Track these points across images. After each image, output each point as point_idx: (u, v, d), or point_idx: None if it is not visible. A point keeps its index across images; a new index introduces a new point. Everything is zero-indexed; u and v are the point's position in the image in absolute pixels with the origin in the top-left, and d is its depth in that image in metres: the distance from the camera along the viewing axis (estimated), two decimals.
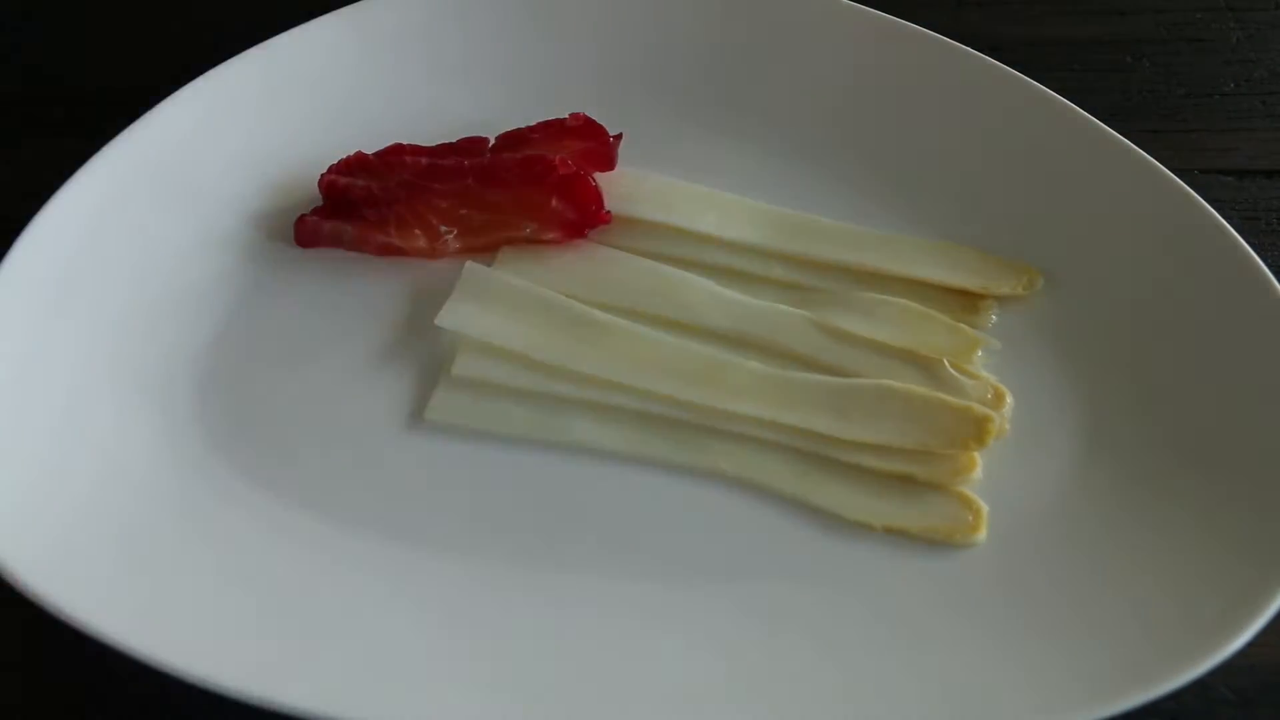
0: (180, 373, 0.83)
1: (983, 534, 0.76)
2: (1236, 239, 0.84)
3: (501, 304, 0.85)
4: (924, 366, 0.84)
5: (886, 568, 0.75)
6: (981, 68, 0.97)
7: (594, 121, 0.95)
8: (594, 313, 0.85)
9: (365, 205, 0.91)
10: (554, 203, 0.89)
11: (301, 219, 0.92)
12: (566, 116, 0.95)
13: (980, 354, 0.85)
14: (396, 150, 0.95)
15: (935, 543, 0.76)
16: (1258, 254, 0.84)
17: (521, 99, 0.98)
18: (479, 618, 0.72)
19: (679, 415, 0.81)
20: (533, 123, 0.95)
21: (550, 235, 0.89)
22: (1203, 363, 0.81)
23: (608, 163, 0.93)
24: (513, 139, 0.95)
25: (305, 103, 0.97)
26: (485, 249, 0.91)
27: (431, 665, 0.70)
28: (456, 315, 0.85)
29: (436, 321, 0.84)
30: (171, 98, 0.93)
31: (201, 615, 0.70)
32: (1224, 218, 0.86)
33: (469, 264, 0.87)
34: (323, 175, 0.93)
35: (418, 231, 0.90)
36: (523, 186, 0.90)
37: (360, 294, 0.89)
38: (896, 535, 0.76)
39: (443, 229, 0.90)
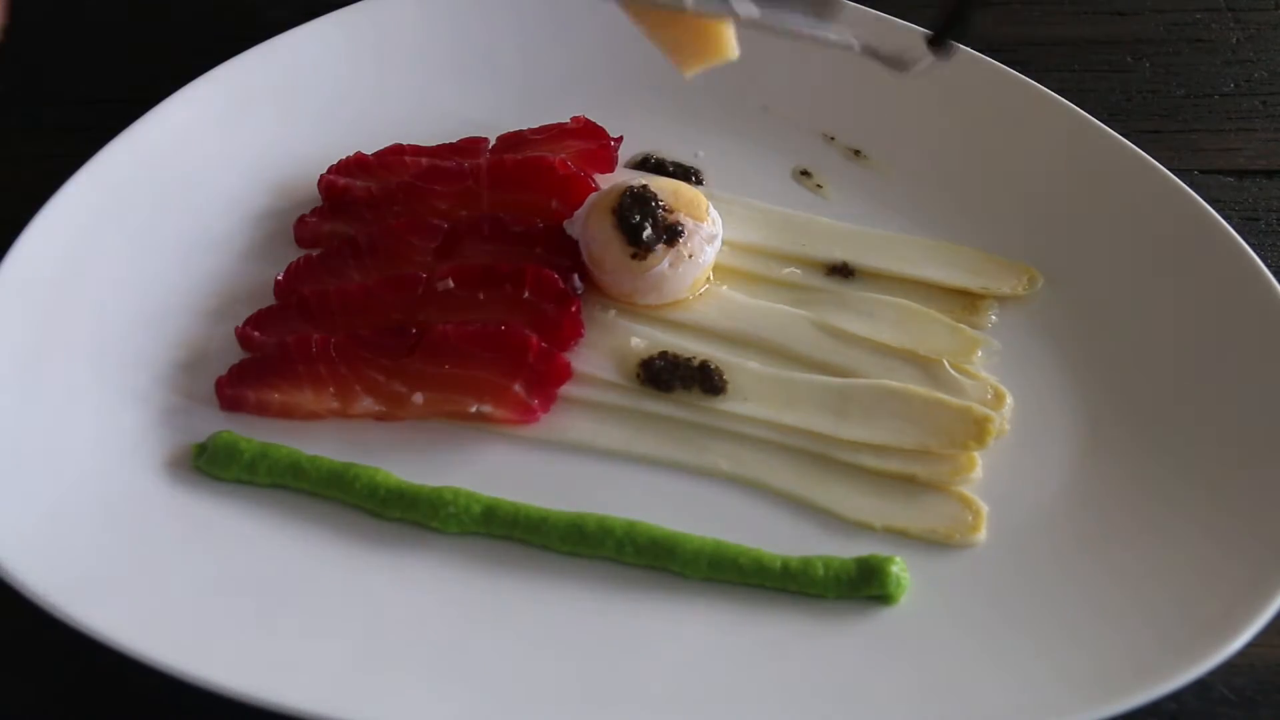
0: (180, 371, 0.83)
1: (982, 534, 0.76)
2: (1236, 239, 0.84)
3: None
4: (924, 367, 0.84)
5: None
6: (981, 68, 0.97)
7: (594, 124, 0.95)
8: (594, 312, 0.85)
9: (364, 206, 0.91)
10: (554, 204, 0.89)
11: (301, 219, 0.92)
12: (568, 120, 0.95)
13: (980, 354, 0.85)
14: (396, 150, 0.95)
15: (935, 543, 0.76)
16: (1257, 254, 0.84)
17: (521, 99, 0.99)
18: (478, 618, 0.72)
19: (679, 415, 0.81)
20: (531, 124, 0.95)
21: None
22: (1202, 363, 0.82)
23: (608, 164, 0.93)
24: (512, 140, 0.95)
25: (305, 103, 0.97)
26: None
27: (430, 666, 0.70)
28: None
29: None
30: (171, 98, 0.93)
31: (201, 615, 0.71)
32: (1224, 218, 0.86)
33: None
34: (322, 175, 0.93)
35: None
36: (524, 188, 0.90)
37: None
38: (896, 535, 0.77)
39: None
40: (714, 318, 0.86)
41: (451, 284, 0.84)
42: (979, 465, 0.79)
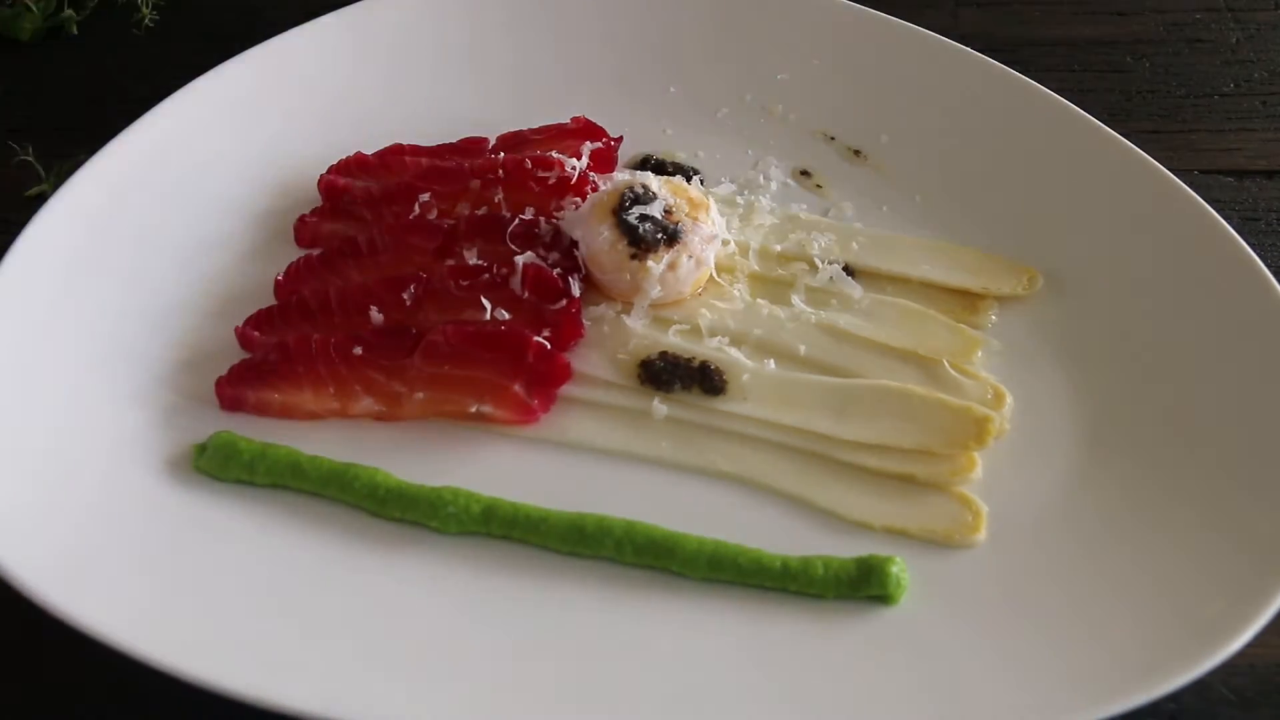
0: (180, 371, 0.83)
1: (982, 534, 0.76)
2: (1236, 239, 0.84)
3: None
4: (924, 367, 0.84)
5: None
6: (981, 68, 0.97)
7: (594, 124, 0.95)
8: (594, 312, 0.85)
9: (364, 206, 0.91)
10: (554, 204, 0.89)
11: (301, 219, 0.92)
12: (568, 120, 0.95)
13: (980, 354, 0.85)
14: (396, 150, 0.95)
15: (934, 543, 0.76)
16: (1257, 254, 0.84)
17: (521, 99, 0.99)
18: (477, 617, 0.72)
19: (679, 415, 0.81)
20: (532, 122, 0.95)
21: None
22: (1202, 362, 0.81)
23: (608, 164, 0.93)
24: (512, 140, 0.95)
25: (305, 103, 0.97)
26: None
27: (430, 665, 0.70)
28: None
29: None
30: (171, 98, 0.93)
31: (200, 614, 0.70)
32: (1223, 218, 0.86)
33: None
34: (322, 176, 0.93)
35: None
36: (524, 188, 0.90)
37: None
38: (896, 535, 0.76)
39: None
40: (714, 318, 0.85)
41: (453, 284, 0.84)
42: (979, 465, 0.79)
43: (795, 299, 0.87)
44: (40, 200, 0.86)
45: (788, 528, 0.77)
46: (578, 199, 0.88)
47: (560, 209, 0.88)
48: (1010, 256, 0.90)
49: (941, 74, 0.98)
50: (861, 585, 0.72)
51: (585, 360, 0.83)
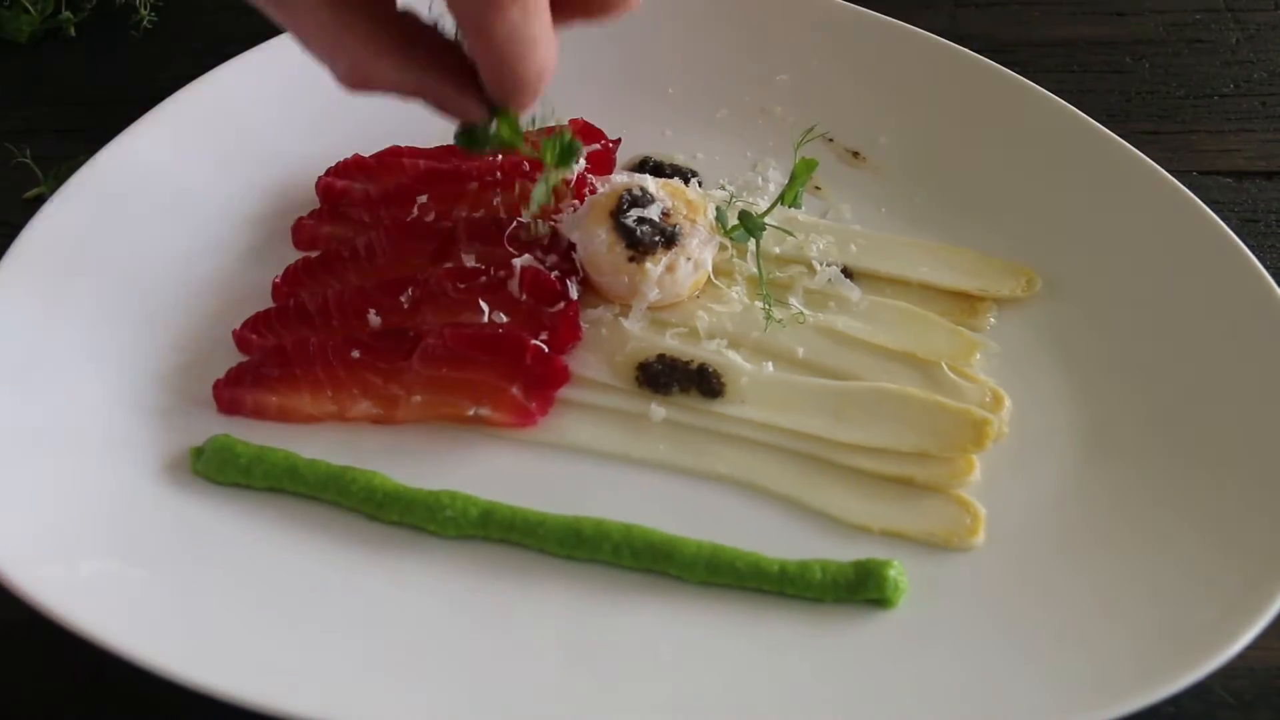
0: (177, 374, 0.83)
1: (980, 537, 0.76)
2: (1235, 240, 0.84)
3: None
4: (922, 369, 0.84)
5: None
6: (981, 68, 0.97)
7: (592, 125, 0.95)
8: (591, 315, 0.85)
9: (362, 209, 0.91)
10: (552, 206, 0.89)
11: (299, 222, 0.92)
12: (566, 121, 0.95)
13: (979, 356, 0.85)
14: (394, 152, 0.95)
15: (933, 546, 0.76)
16: (1256, 255, 0.83)
17: None
18: (475, 621, 0.72)
19: (677, 418, 0.81)
20: (530, 124, 0.95)
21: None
22: (1201, 364, 0.81)
23: (606, 166, 0.93)
24: None
25: (303, 105, 0.97)
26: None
27: (427, 669, 0.69)
28: None
29: None
30: (170, 99, 0.93)
31: (196, 618, 0.70)
32: (1222, 219, 0.86)
33: None
34: (320, 178, 0.93)
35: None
36: (521, 190, 0.89)
37: None
38: (894, 538, 0.76)
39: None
40: (712, 320, 0.85)
41: (451, 287, 0.84)
42: (977, 468, 0.79)
43: (793, 301, 0.87)
44: (38, 202, 0.85)
45: (786, 531, 0.77)
46: (576, 201, 0.88)
47: (558, 211, 0.88)
48: (1009, 258, 0.90)
49: (941, 75, 0.98)
50: (859, 589, 0.72)
51: (583, 363, 0.83)
